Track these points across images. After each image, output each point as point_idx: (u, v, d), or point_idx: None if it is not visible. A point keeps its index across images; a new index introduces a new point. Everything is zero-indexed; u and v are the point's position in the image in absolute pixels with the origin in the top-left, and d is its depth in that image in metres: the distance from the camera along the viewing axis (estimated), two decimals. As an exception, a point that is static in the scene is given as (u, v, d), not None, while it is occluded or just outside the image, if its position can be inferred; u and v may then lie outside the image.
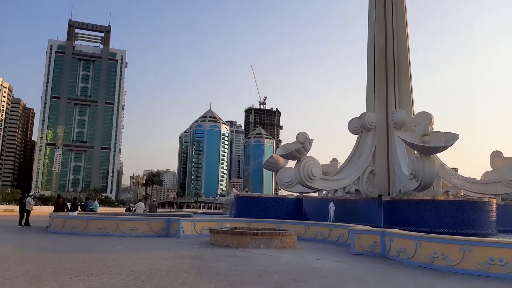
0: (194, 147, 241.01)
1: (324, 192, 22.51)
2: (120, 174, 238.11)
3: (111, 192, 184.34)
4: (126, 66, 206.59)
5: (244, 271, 8.35)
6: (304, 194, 21.92)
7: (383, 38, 24.40)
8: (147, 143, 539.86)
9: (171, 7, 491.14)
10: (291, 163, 22.14)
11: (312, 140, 20.33)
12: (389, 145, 22.91)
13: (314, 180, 20.39)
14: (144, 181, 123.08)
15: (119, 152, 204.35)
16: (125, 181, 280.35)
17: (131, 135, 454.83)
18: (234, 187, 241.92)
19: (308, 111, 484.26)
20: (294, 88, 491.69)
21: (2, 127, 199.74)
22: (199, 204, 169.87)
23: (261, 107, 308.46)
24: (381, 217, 18.35)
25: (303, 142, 19.89)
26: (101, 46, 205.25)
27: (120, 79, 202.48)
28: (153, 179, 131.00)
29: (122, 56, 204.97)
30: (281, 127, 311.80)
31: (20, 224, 20.84)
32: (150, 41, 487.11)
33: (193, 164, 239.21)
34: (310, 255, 11.51)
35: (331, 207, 19.70)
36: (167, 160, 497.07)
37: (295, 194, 22.64)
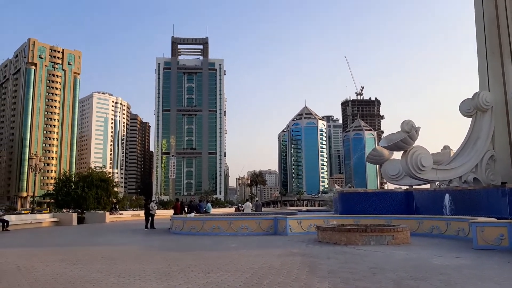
0: (293, 145, 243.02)
1: (437, 183, 20.84)
2: (226, 176, 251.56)
3: (220, 194, 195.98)
4: (225, 74, 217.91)
5: (357, 268, 8.24)
6: (414, 187, 20.59)
7: (494, 7, 21.67)
8: (249, 145, 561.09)
9: (258, 11, 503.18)
10: (397, 155, 20.98)
11: (419, 127, 18.99)
12: (510, 126, 20.24)
13: (425, 171, 18.99)
14: (248, 182, 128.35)
15: (224, 156, 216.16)
16: (232, 182, 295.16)
17: (234, 138, 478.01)
18: (336, 183, 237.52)
19: (411, 98, 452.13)
20: (392, 75, 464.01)
21: (125, 142, 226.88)
22: (302, 201, 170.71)
23: (359, 98, 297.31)
24: (507, 207, 16.32)
25: (409, 131, 18.68)
26: (201, 57, 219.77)
27: (220, 86, 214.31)
28: (257, 179, 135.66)
29: (220, 64, 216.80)
30: (382, 117, 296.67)
31: (146, 227, 23.19)
32: (244, 46, 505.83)
33: (293, 162, 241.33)
34: (427, 251, 10.82)
35: (447, 199, 18.15)
36: (268, 160, 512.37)
37: (404, 187, 21.39)
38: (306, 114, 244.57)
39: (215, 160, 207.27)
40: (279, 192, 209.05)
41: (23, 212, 75.57)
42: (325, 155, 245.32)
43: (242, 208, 37.40)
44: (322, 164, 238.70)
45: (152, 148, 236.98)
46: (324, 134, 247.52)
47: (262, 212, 31.23)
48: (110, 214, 34.38)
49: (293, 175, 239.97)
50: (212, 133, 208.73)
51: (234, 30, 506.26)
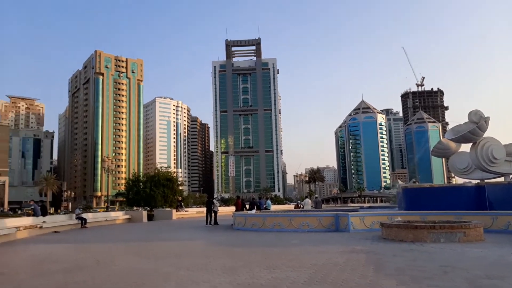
0: (351, 140, 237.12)
1: (511, 176, 19.28)
2: (284, 173, 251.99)
3: (278, 191, 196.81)
4: (278, 73, 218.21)
5: (426, 267, 7.91)
6: (485, 181, 19.23)
7: None
8: (305, 143, 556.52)
9: (310, 6, 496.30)
10: (465, 147, 19.73)
11: (488, 117, 17.70)
12: None
13: (497, 164, 17.69)
14: (306, 179, 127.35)
15: (281, 154, 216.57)
16: (289, 179, 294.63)
17: (290, 136, 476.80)
18: (399, 178, 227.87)
19: (475, 87, 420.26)
20: (455, 64, 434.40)
21: (187, 143, 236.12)
22: (363, 198, 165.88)
23: (419, 89, 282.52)
24: None
25: (478, 121, 17.50)
26: (254, 58, 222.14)
27: (274, 85, 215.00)
28: (315, 176, 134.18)
29: (273, 64, 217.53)
30: (446, 108, 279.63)
31: (207, 223, 23.77)
32: (297, 43, 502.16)
33: (352, 158, 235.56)
34: (503, 249, 10.10)
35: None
36: (326, 157, 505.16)
37: (474, 182, 20.05)
38: (363, 108, 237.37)
39: (272, 158, 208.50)
40: (339, 188, 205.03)
41: (97, 210, 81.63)
42: (385, 149, 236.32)
43: (301, 205, 37.27)
44: (383, 159, 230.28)
45: (212, 148, 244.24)
46: (384, 128, 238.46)
47: (322, 209, 30.91)
48: (176, 211, 35.98)
49: (353, 171, 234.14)
50: (268, 131, 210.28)
51: (286, 28, 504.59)
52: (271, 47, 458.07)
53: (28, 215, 37.51)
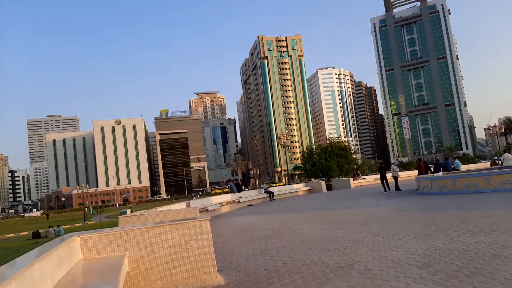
0: None
1: None
2: (472, 128, 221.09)
3: (467, 149, 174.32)
4: (450, 14, 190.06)
5: None
6: None
7: None
8: (495, 89, 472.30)
9: None
10: None
11: None
12: None
13: None
14: (502, 130, 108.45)
15: (465, 106, 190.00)
16: (479, 134, 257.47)
17: (474, 85, 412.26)
18: None
19: None
20: None
21: (354, 109, 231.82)
22: None
23: None
24: None
25: None
26: (418, 3, 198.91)
27: (447, 29, 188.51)
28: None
29: (442, 4, 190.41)
30: None
31: (385, 190, 22.79)
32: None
33: None
34: None
35: None
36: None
37: None
38: None
39: (454, 112, 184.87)
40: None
41: (274, 185, 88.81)
42: None
43: (499, 162, 32.09)
44: None
45: (381, 111, 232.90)
46: None
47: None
48: (353, 180, 36.06)
49: None
50: (445, 83, 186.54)
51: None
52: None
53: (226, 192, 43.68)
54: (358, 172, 42.06)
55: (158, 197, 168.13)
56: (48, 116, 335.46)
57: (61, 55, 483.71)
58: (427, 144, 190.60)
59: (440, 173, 18.98)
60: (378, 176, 25.87)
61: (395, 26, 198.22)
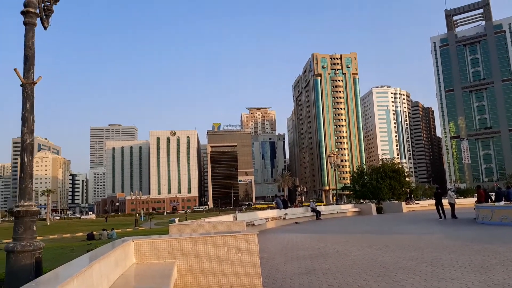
0: None
1: None
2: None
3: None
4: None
5: None
6: None
7: None
8: None
9: None
10: None
11: None
12: None
13: None
14: None
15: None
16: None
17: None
18: None
19: None
20: None
21: (409, 130, 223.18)
22: None
23: None
24: None
25: None
26: (483, 23, 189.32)
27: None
28: None
29: (509, 24, 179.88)
30: None
31: (440, 217, 21.67)
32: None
33: None
34: None
35: None
36: None
37: None
38: None
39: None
40: None
41: (315, 204, 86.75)
42: None
43: None
44: None
45: (438, 133, 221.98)
46: None
47: None
48: (406, 204, 34.53)
49: None
50: (510, 106, 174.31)
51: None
52: (503, 6, 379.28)
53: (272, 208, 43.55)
54: (412, 196, 40.22)
55: (204, 208, 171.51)
56: (109, 125, 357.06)
57: (126, 73, 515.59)
58: (488, 171, 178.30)
59: (502, 203, 17.71)
60: (433, 201, 24.64)
61: (457, 46, 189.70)
